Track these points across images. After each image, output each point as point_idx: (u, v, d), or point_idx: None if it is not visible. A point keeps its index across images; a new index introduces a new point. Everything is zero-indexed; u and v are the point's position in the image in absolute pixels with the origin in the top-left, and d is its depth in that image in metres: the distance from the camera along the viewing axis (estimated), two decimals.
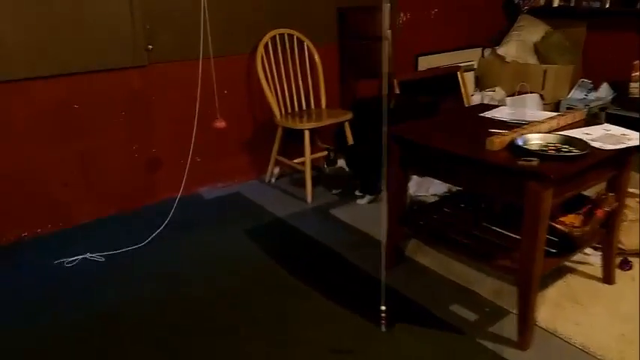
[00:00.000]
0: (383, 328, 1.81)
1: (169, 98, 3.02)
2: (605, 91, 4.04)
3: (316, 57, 3.36)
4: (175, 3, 2.90)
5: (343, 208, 3.00)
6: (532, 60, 4.25)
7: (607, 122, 2.25)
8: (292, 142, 3.26)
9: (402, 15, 4.06)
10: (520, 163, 1.68)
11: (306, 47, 3.35)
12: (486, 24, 4.53)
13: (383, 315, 1.78)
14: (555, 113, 2.21)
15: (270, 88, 3.18)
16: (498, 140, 1.82)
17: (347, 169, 3.13)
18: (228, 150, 3.34)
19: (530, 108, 3.90)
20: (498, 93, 4.29)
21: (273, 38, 3.23)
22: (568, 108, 4.03)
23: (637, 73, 3.73)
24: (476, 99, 4.26)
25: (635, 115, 3.62)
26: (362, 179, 3.08)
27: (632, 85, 3.75)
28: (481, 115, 2.28)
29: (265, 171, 3.43)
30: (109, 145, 2.88)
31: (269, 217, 2.94)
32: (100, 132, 2.84)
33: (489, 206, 2.10)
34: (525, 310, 1.76)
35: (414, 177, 3.19)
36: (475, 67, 4.51)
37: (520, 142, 1.82)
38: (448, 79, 4.20)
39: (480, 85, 4.50)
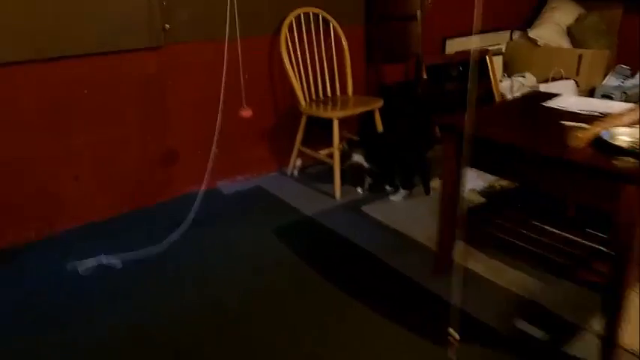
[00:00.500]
0: (452, 357, 1.58)
1: (187, 83, 2.76)
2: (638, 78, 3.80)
3: (343, 39, 3.10)
4: None
5: (376, 206, 2.76)
6: (565, 44, 4.00)
7: None
8: (317, 131, 3.02)
9: None
10: (616, 163, 1.45)
11: (332, 28, 3.09)
12: (516, 4, 4.26)
13: (452, 339, 1.55)
14: (628, 104, 1.99)
15: (294, 72, 2.93)
16: (582, 135, 1.59)
17: (365, 165, 2.88)
18: (248, 140, 3.09)
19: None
20: (529, 79, 4.05)
21: (297, 18, 2.97)
22: (604, 96, 3.79)
23: None
24: (505, 85, 4.02)
25: None
26: (396, 173, 2.84)
27: None
28: (543, 104, 2.04)
29: (287, 163, 3.19)
30: (122, 135, 2.63)
31: (296, 215, 2.71)
32: (112, 120, 2.59)
33: (562, 209, 1.88)
34: (613, 331, 1.55)
35: None
36: (503, 50, 4.25)
37: (607, 137, 1.59)
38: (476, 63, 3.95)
39: (508, 70, 4.25)
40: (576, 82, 3.80)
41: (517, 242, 1.79)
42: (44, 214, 2.50)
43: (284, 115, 3.17)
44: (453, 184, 1.96)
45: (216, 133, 2.49)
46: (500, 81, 4.08)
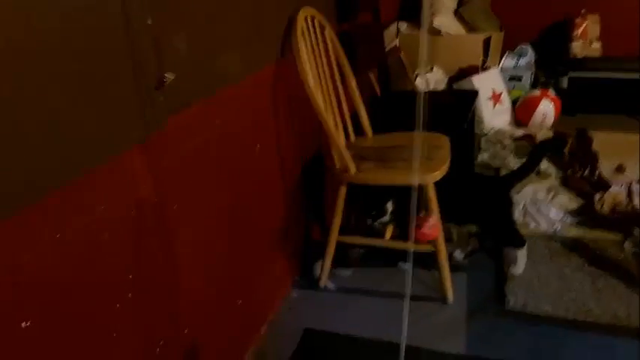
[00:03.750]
0: None
1: (203, 195, 1.21)
2: (530, 55, 3.77)
3: (338, 45, 1.92)
4: None
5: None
6: (462, 30, 3.65)
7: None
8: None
9: None
10: None
11: (327, 35, 1.88)
12: None
13: None
14: None
15: (326, 114, 1.64)
16: None
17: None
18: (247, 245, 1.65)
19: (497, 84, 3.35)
20: (436, 73, 3.57)
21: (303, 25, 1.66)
22: (511, 78, 3.62)
23: (578, 32, 3.55)
24: (420, 83, 3.44)
25: (595, 75, 3.44)
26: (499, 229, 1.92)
27: (575, 44, 3.57)
28: None
29: (310, 269, 1.87)
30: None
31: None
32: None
33: None
34: None
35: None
36: (397, 45, 3.65)
37: None
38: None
39: (406, 66, 3.68)
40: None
41: None
42: None
43: (290, 188, 1.83)
44: None
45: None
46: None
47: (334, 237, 1.79)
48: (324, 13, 1.85)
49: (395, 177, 1.63)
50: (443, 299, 1.76)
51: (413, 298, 1.78)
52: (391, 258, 1.98)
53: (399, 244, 1.81)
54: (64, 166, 0.86)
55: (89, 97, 0.89)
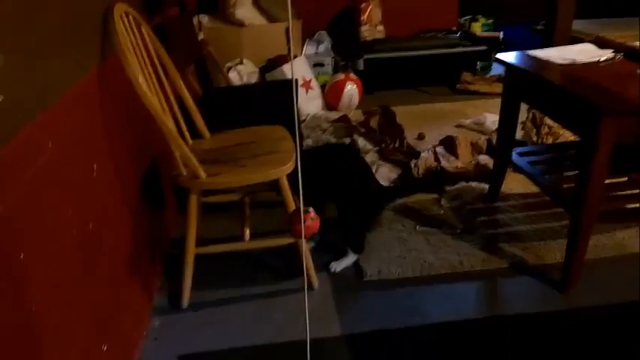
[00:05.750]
0: None
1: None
2: (328, 41, 4.02)
3: (159, 45, 1.77)
4: None
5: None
6: (263, 20, 3.69)
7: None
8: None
9: None
10: None
11: (145, 33, 1.70)
12: None
13: None
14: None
15: (165, 117, 1.49)
16: None
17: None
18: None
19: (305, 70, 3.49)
20: (247, 65, 3.56)
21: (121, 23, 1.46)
22: (316, 65, 3.81)
23: (364, 16, 3.89)
24: (233, 76, 3.40)
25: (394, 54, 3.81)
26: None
27: (363, 28, 3.90)
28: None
29: (172, 289, 1.70)
30: None
31: None
32: None
33: None
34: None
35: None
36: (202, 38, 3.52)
37: None
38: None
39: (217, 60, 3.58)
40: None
41: None
42: None
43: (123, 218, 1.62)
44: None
45: None
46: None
47: (191, 251, 1.67)
48: (133, 7, 1.67)
49: (250, 176, 1.58)
50: (309, 287, 1.79)
51: (280, 293, 1.80)
52: (250, 258, 1.95)
53: (260, 243, 1.78)
54: None
55: None
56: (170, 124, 1.50)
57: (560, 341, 1.59)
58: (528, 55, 2.01)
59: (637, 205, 1.81)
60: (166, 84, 1.73)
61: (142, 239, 1.68)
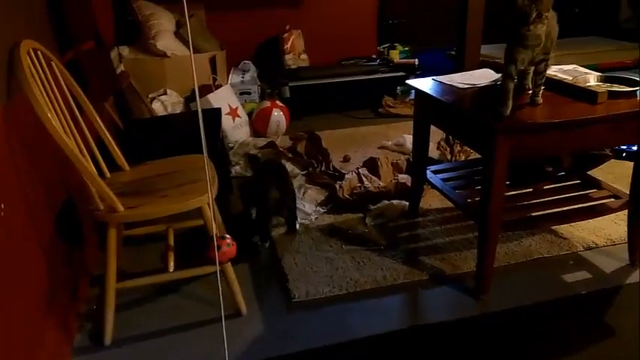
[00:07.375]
0: None
1: None
2: (253, 70, 4.09)
3: (71, 81, 1.75)
4: None
5: None
6: (185, 51, 3.70)
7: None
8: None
9: None
10: None
11: (56, 69, 1.68)
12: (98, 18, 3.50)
13: None
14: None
15: (79, 154, 1.47)
16: None
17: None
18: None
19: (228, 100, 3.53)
20: (171, 95, 3.56)
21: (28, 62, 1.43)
22: (242, 94, 3.86)
23: (287, 46, 4.00)
24: (157, 107, 3.38)
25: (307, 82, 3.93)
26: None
27: (287, 56, 4.01)
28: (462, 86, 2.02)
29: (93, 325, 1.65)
30: None
31: None
32: None
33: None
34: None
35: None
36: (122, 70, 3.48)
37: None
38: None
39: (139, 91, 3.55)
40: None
41: None
42: None
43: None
44: None
45: None
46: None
47: (112, 286, 1.64)
48: (43, 43, 1.66)
49: (171, 206, 1.59)
50: (237, 313, 1.80)
51: (206, 322, 1.79)
52: (176, 289, 1.93)
53: (184, 273, 1.77)
54: None
55: None
56: (82, 158, 1.48)
57: (476, 344, 1.70)
58: (435, 80, 2.17)
59: (540, 212, 1.99)
60: (80, 119, 1.71)
61: (58, 277, 1.63)
